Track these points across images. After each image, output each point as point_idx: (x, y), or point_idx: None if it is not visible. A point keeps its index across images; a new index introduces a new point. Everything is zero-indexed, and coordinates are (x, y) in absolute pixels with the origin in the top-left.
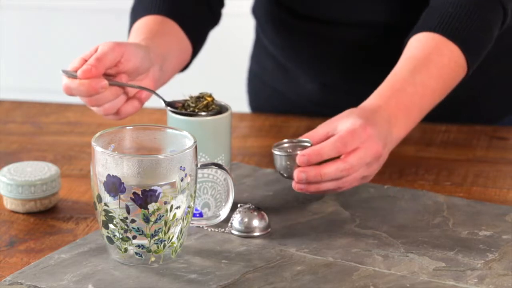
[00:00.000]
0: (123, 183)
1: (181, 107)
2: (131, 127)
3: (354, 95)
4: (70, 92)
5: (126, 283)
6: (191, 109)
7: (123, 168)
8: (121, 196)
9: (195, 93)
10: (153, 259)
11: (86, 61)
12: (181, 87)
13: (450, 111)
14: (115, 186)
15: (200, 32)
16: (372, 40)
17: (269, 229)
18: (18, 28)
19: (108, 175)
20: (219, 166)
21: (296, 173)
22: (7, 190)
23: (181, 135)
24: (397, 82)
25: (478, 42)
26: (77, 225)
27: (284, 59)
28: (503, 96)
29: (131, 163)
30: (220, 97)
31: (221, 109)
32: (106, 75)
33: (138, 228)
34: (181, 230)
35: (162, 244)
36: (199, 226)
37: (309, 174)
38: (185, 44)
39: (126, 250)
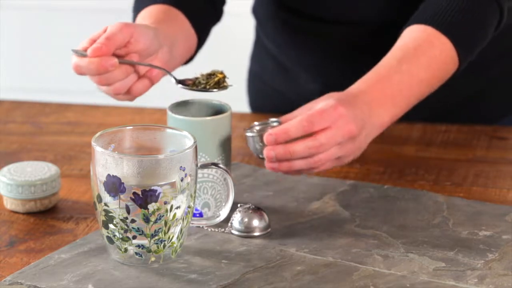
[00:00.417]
0: (123, 183)
1: (192, 84)
2: (131, 127)
3: None
4: (80, 70)
5: (126, 283)
6: (202, 86)
7: (123, 168)
8: (121, 196)
9: (206, 71)
10: (153, 259)
11: (95, 41)
12: (181, 87)
13: (450, 111)
14: (115, 186)
15: (204, 24)
16: (374, 39)
17: (269, 229)
18: (18, 28)
19: (108, 175)
20: (219, 166)
21: (266, 152)
22: (7, 190)
23: (181, 135)
24: (383, 69)
25: (471, 38)
26: (77, 225)
27: (285, 59)
28: (503, 96)
29: (131, 163)
30: (220, 97)
31: (221, 109)
32: (116, 56)
33: (138, 228)
34: (181, 230)
35: (162, 244)
36: (199, 226)
37: (278, 152)
38: (191, 32)
39: (126, 250)
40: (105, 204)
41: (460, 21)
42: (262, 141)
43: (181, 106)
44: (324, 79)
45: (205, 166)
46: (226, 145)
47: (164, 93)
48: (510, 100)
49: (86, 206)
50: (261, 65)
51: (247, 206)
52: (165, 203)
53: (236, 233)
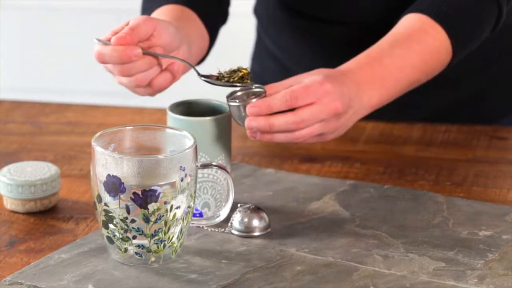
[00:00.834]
0: (123, 183)
1: (215, 79)
2: (131, 127)
3: None
4: (102, 59)
5: (126, 283)
6: (226, 79)
7: (123, 168)
8: (121, 196)
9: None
10: (153, 259)
11: (117, 33)
12: (181, 87)
13: (450, 111)
14: (115, 186)
15: (214, 25)
16: (374, 40)
17: (269, 229)
18: (18, 28)
19: (108, 175)
20: (219, 166)
21: (247, 122)
22: (7, 190)
23: (181, 135)
24: (375, 52)
25: (466, 31)
26: (77, 225)
27: (286, 59)
28: (503, 96)
29: (131, 163)
30: (221, 97)
31: (221, 109)
32: None
33: (138, 228)
34: (181, 230)
35: (162, 244)
36: (199, 226)
37: (258, 123)
38: (205, 32)
39: (126, 250)
40: (105, 204)
41: (457, 14)
42: (244, 110)
43: (181, 106)
44: None
45: (205, 166)
46: (226, 145)
47: (164, 93)
48: (510, 100)
49: (86, 206)
50: (262, 65)
51: (247, 206)
52: (165, 203)
53: (236, 233)
